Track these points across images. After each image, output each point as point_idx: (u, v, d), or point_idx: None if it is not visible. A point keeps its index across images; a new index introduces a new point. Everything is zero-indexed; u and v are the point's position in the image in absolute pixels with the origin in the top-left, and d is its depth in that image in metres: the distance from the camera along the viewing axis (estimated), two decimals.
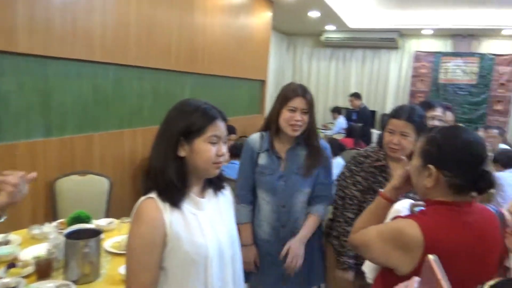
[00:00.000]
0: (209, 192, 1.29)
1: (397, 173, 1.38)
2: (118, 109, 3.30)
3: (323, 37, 8.46)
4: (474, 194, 1.18)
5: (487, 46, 7.74)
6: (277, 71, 8.90)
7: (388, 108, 8.43)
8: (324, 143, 2.00)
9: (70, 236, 1.62)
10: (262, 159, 1.92)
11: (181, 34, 3.94)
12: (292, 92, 1.86)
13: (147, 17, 3.45)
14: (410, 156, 1.33)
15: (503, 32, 7.25)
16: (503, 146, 4.27)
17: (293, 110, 1.83)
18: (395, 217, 1.28)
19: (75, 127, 2.91)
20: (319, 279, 2.04)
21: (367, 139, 6.30)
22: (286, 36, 9.19)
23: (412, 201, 1.49)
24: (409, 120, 1.78)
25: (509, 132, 7.45)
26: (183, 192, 1.18)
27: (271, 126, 1.91)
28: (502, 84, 7.54)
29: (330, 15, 6.76)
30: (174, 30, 3.84)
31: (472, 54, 7.69)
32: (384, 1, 6.52)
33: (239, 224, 1.96)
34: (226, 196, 1.35)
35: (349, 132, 5.55)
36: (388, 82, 8.52)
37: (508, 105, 7.57)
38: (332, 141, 4.17)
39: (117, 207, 3.04)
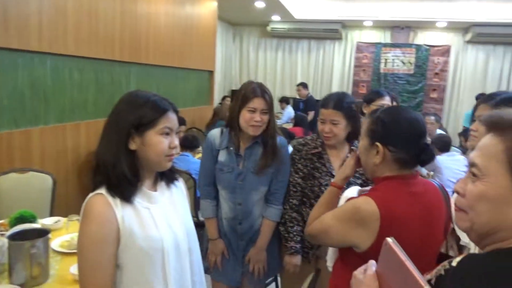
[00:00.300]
0: (162, 185, 1.25)
1: (349, 163, 1.46)
2: (59, 102, 3.11)
3: (269, 28, 8.51)
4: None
5: (423, 38, 8.20)
6: (224, 62, 8.85)
7: None
8: (283, 141, 1.98)
9: (14, 237, 1.51)
10: (222, 156, 1.92)
11: (124, 22, 3.78)
12: (251, 92, 1.85)
13: (87, 3, 3.27)
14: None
15: (437, 24, 7.72)
16: (439, 131, 4.56)
17: (253, 111, 1.84)
18: (348, 199, 1.34)
19: (11, 122, 2.71)
20: (276, 269, 2.09)
21: (316, 127, 6.40)
22: (232, 26, 9.14)
23: (359, 188, 1.58)
24: (337, 108, 1.84)
25: (444, 118, 7.99)
26: (135, 186, 1.14)
27: (232, 125, 1.91)
28: (437, 74, 8.04)
29: (275, 6, 6.81)
30: (117, 19, 3.67)
31: (409, 45, 8.11)
32: None
33: (205, 218, 2.00)
34: (179, 188, 1.33)
35: (297, 121, 5.65)
36: (332, 72, 8.77)
37: (442, 93, 8.10)
38: (282, 130, 4.22)
39: (62, 204, 2.89)
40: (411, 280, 0.72)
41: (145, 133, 1.13)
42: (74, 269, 1.55)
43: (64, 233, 1.96)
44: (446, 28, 7.97)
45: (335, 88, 8.74)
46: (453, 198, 1.36)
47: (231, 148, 1.91)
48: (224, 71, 8.81)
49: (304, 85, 7.20)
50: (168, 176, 1.27)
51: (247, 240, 1.97)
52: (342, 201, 1.52)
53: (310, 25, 8.18)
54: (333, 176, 1.90)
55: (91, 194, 1.11)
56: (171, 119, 1.17)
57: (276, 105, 8.76)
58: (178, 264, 1.20)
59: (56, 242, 1.83)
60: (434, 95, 8.09)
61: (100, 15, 3.43)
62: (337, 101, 1.86)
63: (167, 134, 1.16)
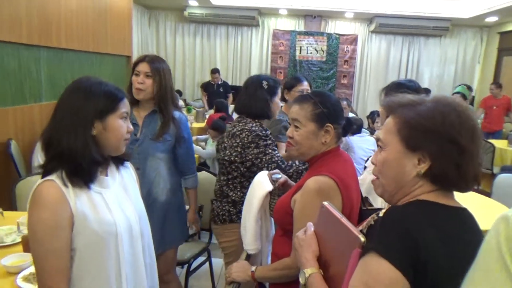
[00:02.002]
0: (112, 169, 1.27)
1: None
2: None
3: (187, 12, 8.38)
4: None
5: (333, 27, 8.73)
6: (140, 46, 8.53)
7: None
8: (182, 116, 2.15)
9: None
10: None
11: (31, 2, 3.49)
12: (138, 59, 2.05)
13: None
14: None
15: (346, 15, 8.26)
16: (351, 115, 4.98)
17: (137, 74, 2.01)
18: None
19: None
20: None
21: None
22: (147, 10, 8.82)
23: (267, 171, 1.74)
24: None
25: (353, 102, 8.65)
26: (97, 171, 1.16)
27: (130, 96, 2.02)
28: (346, 61, 8.64)
29: None
30: None
31: (321, 34, 8.57)
32: None
33: None
34: (128, 171, 1.35)
35: (217, 107, 5.70)
36: (251, 59, 8.94)
37: (351, 79, 8.73)
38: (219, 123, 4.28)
39: None
40: (347, 232, 0.86)
41: (107, 117, 1.15)
42: (5, 261, 1.48)
43: None
44: (353, 19, 8.57)
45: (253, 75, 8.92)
46: (367, 171, 1.61)
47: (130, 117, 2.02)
48: None
49: (218, 71, 7.46)
50: (116, 159, 1.28)
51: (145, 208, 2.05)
52: (256, 185, 1.65)
53: (227, 11, 8.22)
54: None
55: (39, 181, 1.10)
56: (127, 103, 1.21)
57: (197, 92, 8.76)
58: (131, 248, 1.23)
59: None
60: (344, 81, 8.69)
61: None
62: None
63: (125, 118, 1.20)
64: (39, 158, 3.12)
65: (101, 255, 1.15)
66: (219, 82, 7.50)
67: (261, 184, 1.65)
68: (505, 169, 4.63)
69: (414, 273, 0.80)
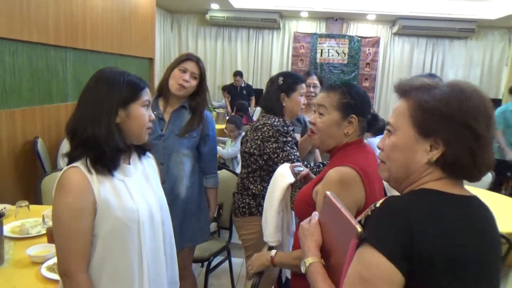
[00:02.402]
0: (134, 158, 1.29)
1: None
2: None
3: (208, 16, 8.47)
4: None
5: (355, 29, 8.66)
6: (163, 50, 8.67)
7: None
8: (209, 115, 2.16)
9: None
10: None
11: (59, 5, 3.60)
12: (186, 56, 2.03)
13: None
14: None
15: (368, 17, 8.19)
16: None
17: (184, 71, 1.99)
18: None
19: None
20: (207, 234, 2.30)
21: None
22: (170, 14, 8.96)
23: (290, 164, 1.73)
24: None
25: (375, 105, 8.54)
26: (119, 158, 1.19)
27: (162, 88, 2.03)
28: (368, 64, 8.54)
29: None
30: (50, 1, 3.48)
31: (343, 36, 8.51)
32: None
33: None
34: (150, 161, 1.37)
35: (238, 109, 5.74)
36: (271, 61, 8.96)
37: (373, 82, 8.63)
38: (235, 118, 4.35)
39: None
40: (346, 222, 0.86)
41: (130, 105, 1.18)
42: (30, 251, 1.52)
43: (12, 220, 1.89)
44: (375, 21, 8.48)
45: None
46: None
47: (155, 112, 2.01)
48: (163, 60, 8.63)
49: (240, 73, 7.45)
50: (139, 149, 1.30)
51: (168, 203, 2.05)
52: (277, 176, 1.65)
53: (248, 14, 8.26)
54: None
55: (65, 168, 1.13)
56: (149, 92, 1.24)
57: (217, 94, 8.82)
58: (153, 235, 1.24)
59: (6, 228, 1.76)
60: (366, 84, 8.59)
61: None
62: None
63: (147, 106, 1.22)
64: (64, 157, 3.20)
65: (124, 241, 1.16)
66: (242, 85, 7.50)
67: (283, 176, 1.65)
68: None
69: (409, 264, 0.78)
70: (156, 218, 1.26)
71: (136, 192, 1.22)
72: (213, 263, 2.60)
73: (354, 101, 1.40)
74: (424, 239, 0.79)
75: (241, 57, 9.05)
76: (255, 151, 2.02)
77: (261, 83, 9.02)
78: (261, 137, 2.00)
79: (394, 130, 0.93)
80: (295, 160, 1.98)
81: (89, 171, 1.13)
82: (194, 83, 2.02)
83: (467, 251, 0.82)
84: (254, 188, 2.07)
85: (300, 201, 1.47)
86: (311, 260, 0.96)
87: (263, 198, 1.97)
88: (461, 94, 0.87)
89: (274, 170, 1.91)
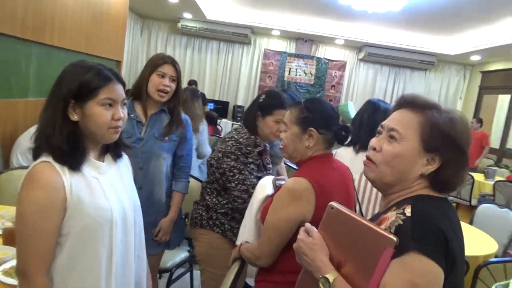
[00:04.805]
0: (108, 157, 1.24)
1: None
2: None
3: (180, 25, 8.42)
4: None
5: (323, 52, 8.90)
6: (130, 54, 8.50)
7: (240, 100, 8.94)
8: (185, 117, 2.13)
9: None
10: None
11: None
12: (162, 59, 1.97)
13: None
14: None
15: (336, 41, 8.46)
16: None
17: (162, 76, 1.94)
18: (277, 190, 1.49)
19: None
20: (179, 239, 2.28)
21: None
22: (141, 18, 8.82)
23: (273, 177, 1.75)
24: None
25: None
26: (81, 157, 1.11)
27: (139, 93, 1.97)
28: (333, 86, 8.79)
29: (189, 3, 6.79)
30: None
31: (311, 57, 8.73)
32: None
33: None
34: (125, 163, 1.32)
35: (207, 119, 5.67)
36: (240, 75, 9.01)
37: (337, 104, 8.85)
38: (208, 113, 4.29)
39: None
40: (372, 232, 0.85)
41: (85, 103, 1.10)
42: None
43: None
44: (343, 45, 8.77)
45: (241, 91, 8.99)
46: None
47: (132, 115, 1.96)
48: (129, 64, 8.45)
49: (195, 82, 7.44)
50: (114, 150, 1.25)
51: (144, 209, 1.98)
52: (259, 188, 1.66)
53: (221, 27, 8.30)
54: (266, 168, 2.02)
55: (35, 162, 1.06)
56: (115, 89, 1.14)
57: None
58: (124, 237, 1.19)
59: None
60: None
61: None
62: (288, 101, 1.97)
63: (110, 105, 1.13)
64: (18, 154, 3.02)
65: (95, 241, 1.10)
66: None
67: (263, 187, 1.65)
68: (483, 198, 4.75)
69: (446, 265, 0.86)
70: (129, 218, 1.21)
71: (110, 190, 1.16)
72: (176, 274, 2.52)
73: (312, 115, 1.46)
74: (452, 242, 0.87)
75: (210, 69, 9.02)
76: (214, 162, 1.94)
77: (227, 96, 9.03)
78: (223, 150, 1.92)
79: (401, 139, 0.98)
80: (250, 189, 1.86)
81: (62, 167, 1.07)
82: (173, 86, 1.98)
83: (462, 249, 0.94)
84: (209, 200, 2.00)
85: (265, 210, 1.50)
86: (334, 275, 0.93)
87: (216, 212, 1.97)
88: (462, 121, 0.97)
89: (228, 188, 1.90)
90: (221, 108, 8.54)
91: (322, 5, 6.36)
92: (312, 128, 1.45)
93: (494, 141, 7.52)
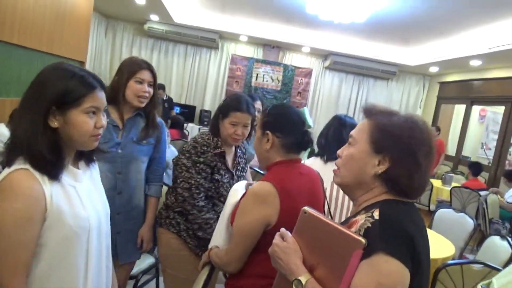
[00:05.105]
0: (82, 163, 1.20)
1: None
2: None
3: (147, 26, 8.29)
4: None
5: (290, 58, 9.03)
6: (94, 55, 8.27)
7: (207, 105, 8.90)
8: (161, 122, 2.12)
9: None
10: None
11: None
12: (139, 65, 1.94)
13: None
14: None
15: (303, 49, 8.61)
16: None
17: (141, 82, 1.93)
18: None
19: None
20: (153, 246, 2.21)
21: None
22: (105, 18, 8.62)
23: (247, 181, 1.78)
24: (250, 112, 1.98)
25: None
26: (60, 165, 1.07)
27: (116, 98, 1.92)
28: (299, 93, 8.93)
29: (156, 5, 6.70)
30: None
31: (278, 64, 8.83)
32: (207, 2, 6.87)
33: None
34: (96, 168, 1.28)
35: (173, 123, 5.61)
36: (207, 80, 8.97)
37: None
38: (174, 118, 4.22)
39: None
40: (343, 235, 0.87)
41: (68, 111, 1.06)
42: None
43: None
44: (309, 53, 8.94)
45: (208, 96, 8.95)
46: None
47: (108, 119, 1.91)
48: (93, 65, 8.22)
49: (163, 87, 7.35)
50: (87, 155, 1.21)
51: (124, 215, 1.96)
52: (232, 192, 1.68)
53: (188, 30, 8.24)
54: (231, 173, 2.03)
55: (10, 169, 1.00)
56: (98, 97, 1.11)
57: None
58: (99, 244, 1.16)
59: None
60: None
61: None
62: (250, 105, 1.98)
63: (93, 113, 1.10)
64: None
65: (73, 251, 1.07)
66: (164, 98, 7.40)
67: (236, 192, 1.66)
68: (441, 204, 4.97)
69: (412, 267, 0.90)
70: (103, 227, 1.19)
71: (86, 199, 1.13)
72: (141, 281, 2.46)
73: (269, 118, 1.52)
74: (418, 244, 0.91)
75: (176, 72, 8.93)
76: (174, 160, 1.99)
77: (194, 100, 8.97)
78: (182, 148, 1.99)
79: (355, 142, 1.08)
80: (193, 188, 1.89)
81: (41, 173, 1.02)
82: (151, 91, 1.98)
83: (428, 251, 0.99)
84: (169, 198, 2.03)
85: (234, 215, 1.52)
86: (306, 278, 0.97)
87: (173, 210, 1.99)
88: (413, 124, 1.02)
89: (176, 187, 1.94)
90: (188, 113, 8.47)
91: (289, 13, 6.46)
92: (267, 132, 1.51)
93: (451, 149, 7.90)
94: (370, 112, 1.09)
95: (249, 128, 2.01)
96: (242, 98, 2.01)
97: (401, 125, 1.02)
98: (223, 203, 1.89)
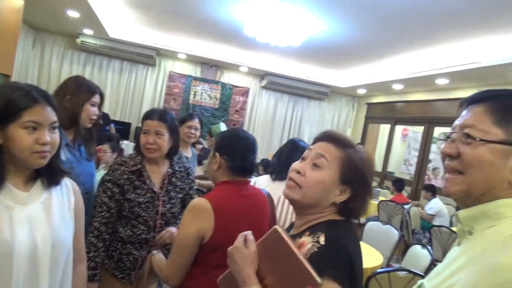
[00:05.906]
0: (38, 185, 1.15)
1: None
2: None
3: (79, 40, 7.98)
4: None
5: (228, 77, 9.19)
6: (20, 67, 7.78)
7: None
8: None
9: None
10: (63, 155, 1.81)
11: None
12: (93, 89, 2.04)
13: None
14: None
15: (240, 69, 8.81)
16: None
17: (93, 105, 2.01)
18: None
19: None
20: None
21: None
22: (33, 30, 8.17)
23: None
24: (162, 120, 1.93)
25: None
26: None
27: (75, 120, 1.95)
28: (237, 111, 9.07)
29: (90, 19, 6.51)
30: None
31: (216, 82, 8.93)
32: (144, 19, 6.82)
33: None
34: (64, 191, 1.22)
35: (108, 139, 5.42)
36: (143, 96, 8.81)
37: (240, 127, 9.14)
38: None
39: None
40: (301, 268, 0.93)
41: (7, 126, 1.04)
42: None
43: None
44: (247, 73, 9.17)
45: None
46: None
47: (69, 144, 1.97)
48: (19, 77, 7.71)
49: None
50: (47, 176, 1.16)
51: None
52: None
53: (124, 46, 8.07)
54: (154, 192, 1.93)
55: None
56: (40, 112, 1.09)
57: None
58: (31, 273, 1.09)
59: None
60: None
61: None
62: (162, 113, 1.97)
63: (34, 128, 1.08)
64: None
65: None
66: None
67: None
68: (369, 217, 5.30)
69: (350, 284, 0.98)
70: (41, 255, 1.11)
71: (22, 223, 1.08)
72: None
73: (219, 141, 1.63)
74: (356, 263, 1.00)
75: (110, 88, 8.64)
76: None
77: (129, 117, 8.75)
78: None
79: (326, 167, 1.09)
80: (97, 206, 1.88)
81: None
82: (97, 110, 2.07)
83: (361, 264, 1.07)
84: None
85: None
86: None
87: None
88: (368, 156, 1.14)
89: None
90: (122, 129, 8.22)
91: (228, 33, 6.62)
92: (216, 153, 1.60)
93: (378, 165, 8.46)
94: (338, 140, 1.13)
95: (165, 137, 1.92)
96: (157, 109, 2.03)
97: (363, 159, 1.11)
98: (143, 224, 1.89)
